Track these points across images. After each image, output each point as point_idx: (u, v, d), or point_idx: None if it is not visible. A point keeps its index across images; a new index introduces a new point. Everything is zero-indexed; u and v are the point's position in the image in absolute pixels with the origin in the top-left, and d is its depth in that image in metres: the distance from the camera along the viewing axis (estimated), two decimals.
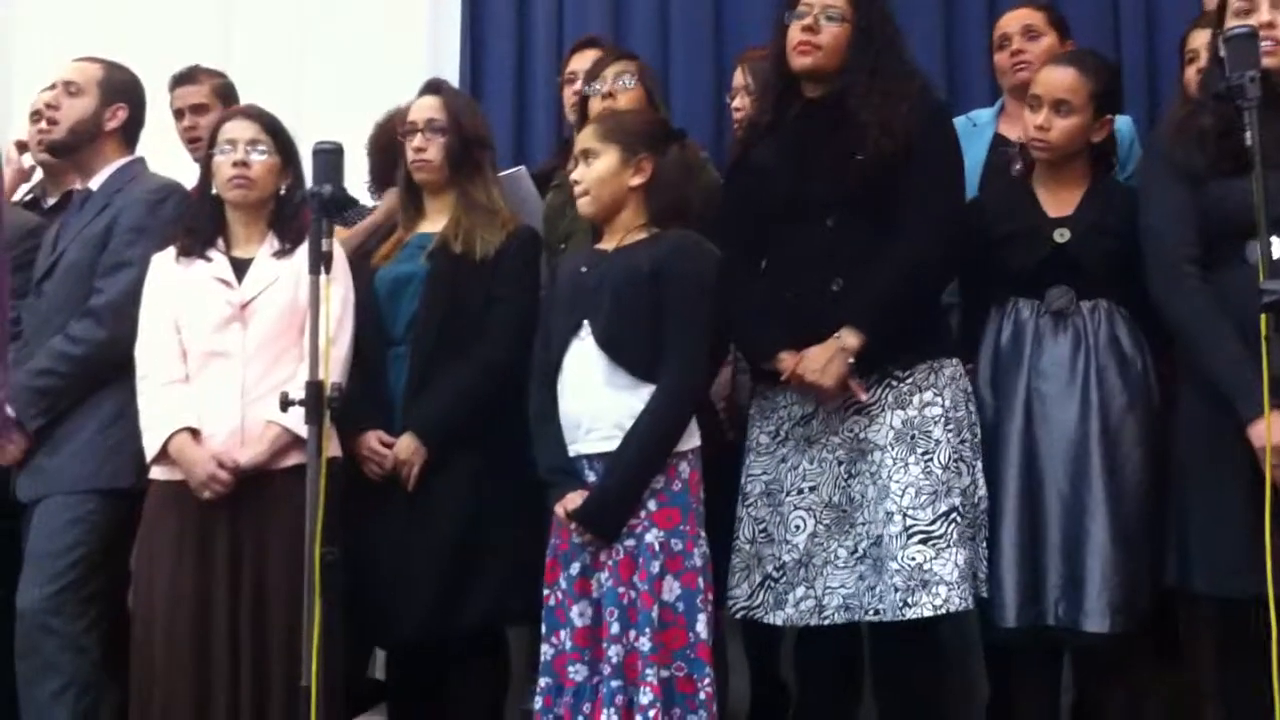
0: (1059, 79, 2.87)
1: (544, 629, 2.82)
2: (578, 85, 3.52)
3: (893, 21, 2.89)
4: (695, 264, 2.84)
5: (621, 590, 2.72)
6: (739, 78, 3.53)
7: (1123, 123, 3.33)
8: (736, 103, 3.50)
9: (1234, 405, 2.50)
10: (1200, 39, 3.07)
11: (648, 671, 2.67)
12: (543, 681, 2.80)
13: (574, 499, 2.77)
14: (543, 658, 2.82)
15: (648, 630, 2.68)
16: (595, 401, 2.79)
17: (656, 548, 2.73)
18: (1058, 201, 2.89)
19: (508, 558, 2.95)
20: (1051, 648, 2.87)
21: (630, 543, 2.74)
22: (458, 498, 2.97)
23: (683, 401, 2.79)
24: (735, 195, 2.96)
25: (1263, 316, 2.28)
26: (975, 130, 3.50)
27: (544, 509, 2.85)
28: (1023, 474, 2.79)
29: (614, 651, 2.70)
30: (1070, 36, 3.58)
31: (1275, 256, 2.43)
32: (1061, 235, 2.84)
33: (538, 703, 2.80)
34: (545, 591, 2.82)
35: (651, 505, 2.75)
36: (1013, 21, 3.59)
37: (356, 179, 3.45)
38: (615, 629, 2.71)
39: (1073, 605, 2.72)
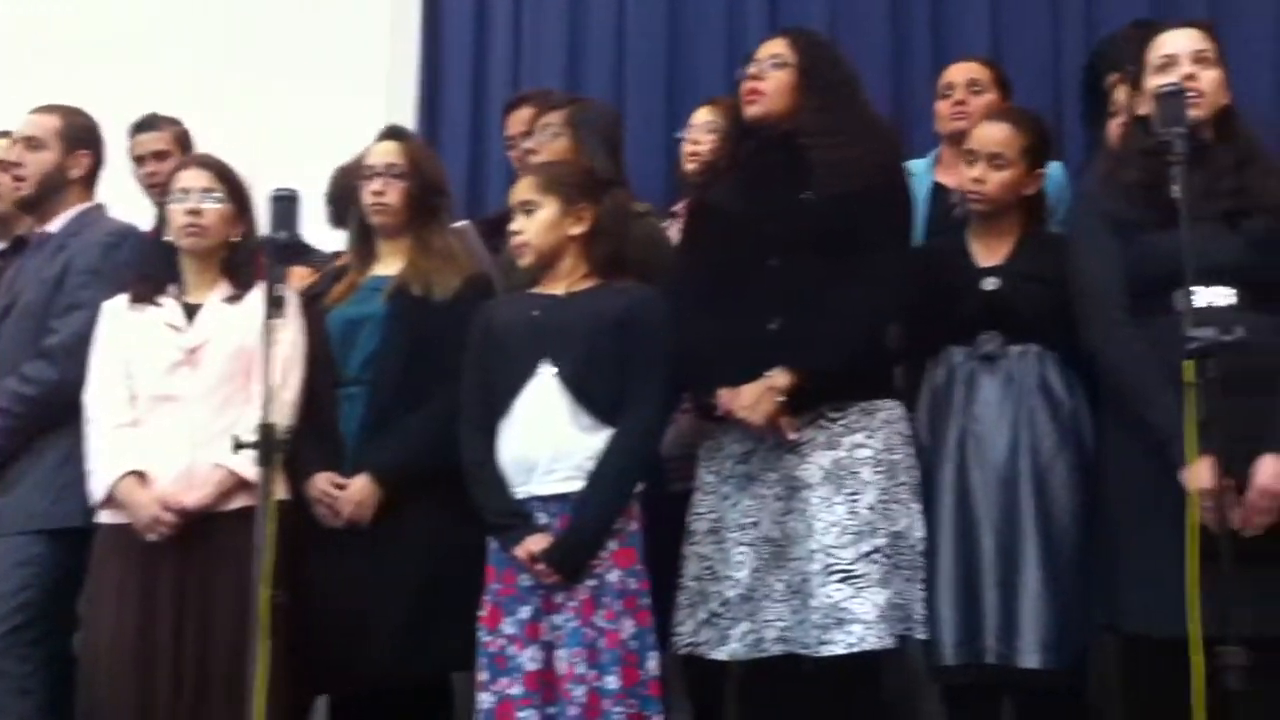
0: (993, 134, 2.98)
1: (483, 676, 2.79)
2: (518, 150, 3.61)
3: (844, 67, 2.95)
4: (661, 314, 2.89)
5: (585, 630, 2.74)
6: (704, 115, 3.58)
7: (1056, 169, 3.42)
8: (693, 136, 3.54)
9: (1166, 449, 2.55)
10: (1125, 94, 3.16)
11: (613, 711, 2.70)
12: None
13: (538, 541, 2.77)
14: (481, 706, 2.79)
15: (615, 669, 2.72)
16: (556, 442, 2.81)
17: (616, 587, 2.77)
18: (990, 251, 2.98)
19: (470, 603, 2.88)
20: (992, 688, 2.89)
21: (593, 582, 2.77)
22: (419, 542, 2.96)
23: (647, 444, 2.86)
24: (693, 236, 3.02)
25: (1187, 363, 2.34)
26: (913, 179, 3.53)
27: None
28: (957, 514, 2.84)
29: (579, 692, 2.71)
30: (1011, 95, 3.66)
31: (1199, 305, 2.50)
32: (991, 283, 2.92)
33: None
34: (486, 637, 2.81)
35: (613, 545, 2.79)
36: (959, 73, 3.69)
37: (311, 227, 3.48)
38: (580, 669, 2.72)
39: (1007, 643, 2.76)
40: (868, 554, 2.74)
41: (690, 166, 3.51)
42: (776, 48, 2.92)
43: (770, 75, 2.87)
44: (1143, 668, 2.66)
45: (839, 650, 2.69)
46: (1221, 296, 2.62)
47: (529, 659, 2.76)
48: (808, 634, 2.72)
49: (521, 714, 2.74)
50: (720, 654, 2.82)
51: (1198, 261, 2.45)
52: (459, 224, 3.52)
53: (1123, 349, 2.68)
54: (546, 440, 2.82)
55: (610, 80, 4.46)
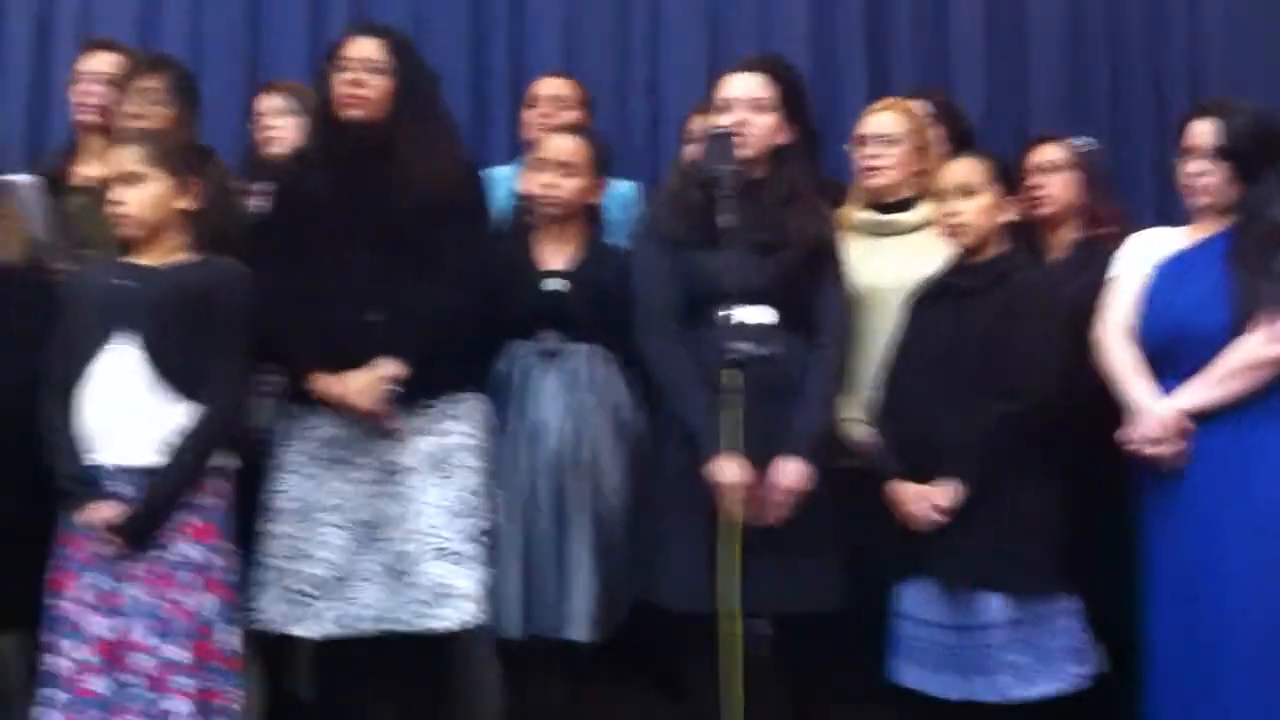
0: (563, 145, 3.26)
1: (50, 639, 2.79)
2: (87, 86, 3.51)
3: (429, 71, 3.13)
4: (244, 292, 2.95)
5: (155, 602, 2.78)
6: (274, 101, 3.63)
7: (628, 187, 3.74)
8: (266, 121, 3.59)
9: (697, 445, 2.86)
10: (699, 124, 3.51)
11: (182, 683, 2.75)
12: (49, 693, 2.77)
13: (107, 509, 2.78)
14: (54, 670, 2.78)
15: (184, 642, 2.77)
16: (132, 414, 2.82)
17: (191, 560, 2.81)
18: (554, 254, 3.23)
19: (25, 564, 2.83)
20: (548, 657, 3.15)
21: (166, 554, 2.80)
22: None
23: (226, 421, 2.90)
24: (281, 220, 3.08)
25: (726, 371, 2.72)
26: (495, 186, 3.67)
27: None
28: (518, 499, 3.07)
29: (147, 663, 2.75)
30: (592, 113, 3.91)
31: (738, 321, 2.86)
32: (555, 285, 3.18)
33: (46, 715, 2.76)
34: (52, 600, 2.80)
35: (187, 518, 2.82)
36: (545, 87, 3.91)
37: None
38: (148, 641, 2.76)
39: (559, 616, 3.02)
40: (469, 533, 2.97)
41: (275, 150, 3.56)
42: (371, 50, 3.02)
43: (371, 82, 3.00)
44: (683, 640, 2.93)
45: (449, 625, 2.92)
46: (759, 315, 2.94)
47: (107, 628, 2.77)
48: (406, 611, 2.91)
49: (93, 681, 2.76)
50: (309, 631, 2.94)
51: (738, 284, 2.82)
52: (19, 179, 3.39)
53: (667, 354, 2.96)
54: (120, 411, 2.83)
55: (186, 48, 4.34)
